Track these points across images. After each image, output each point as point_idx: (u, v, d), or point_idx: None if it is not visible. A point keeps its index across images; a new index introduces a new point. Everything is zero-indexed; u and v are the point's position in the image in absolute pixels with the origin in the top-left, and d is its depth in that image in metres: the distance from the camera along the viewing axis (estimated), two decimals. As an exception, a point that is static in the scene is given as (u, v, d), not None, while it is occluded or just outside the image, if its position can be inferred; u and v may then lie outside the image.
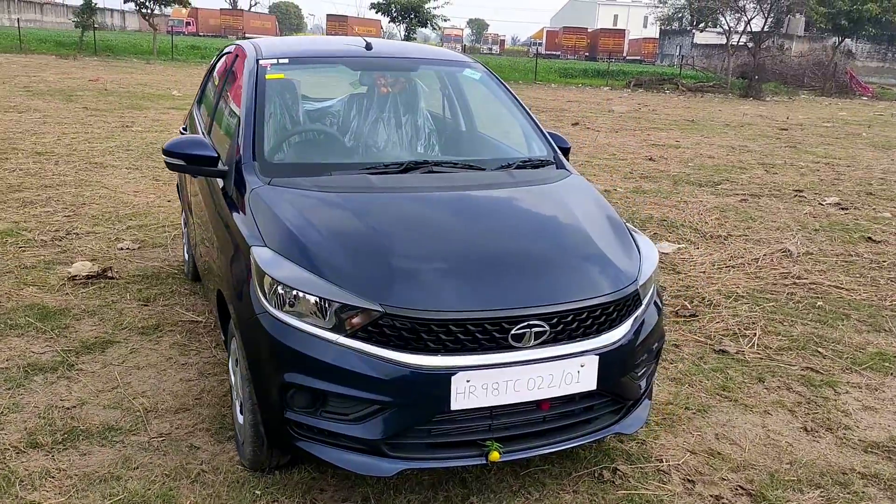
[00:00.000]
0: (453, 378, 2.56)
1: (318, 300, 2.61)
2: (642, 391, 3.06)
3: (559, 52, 72.46)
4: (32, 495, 2.83)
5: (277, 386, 2.65)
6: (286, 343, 2.63)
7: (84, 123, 12.57)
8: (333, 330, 2.60)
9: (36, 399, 3.54)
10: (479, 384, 2.59)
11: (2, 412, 3.41)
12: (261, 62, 3.76)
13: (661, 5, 60.39)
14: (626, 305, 2.88)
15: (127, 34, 58.78)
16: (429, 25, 36.37)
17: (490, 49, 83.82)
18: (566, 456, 3.28)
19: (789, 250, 6.81)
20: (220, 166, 3.41)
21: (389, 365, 2.55)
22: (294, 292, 2.64)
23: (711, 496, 3.11)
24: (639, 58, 68.37)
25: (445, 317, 2.56)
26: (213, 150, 3.41)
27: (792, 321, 5.10)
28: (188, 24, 70.81)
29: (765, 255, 6.65)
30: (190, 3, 39.13)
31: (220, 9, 75.93)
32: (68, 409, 3.48)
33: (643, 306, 2.99)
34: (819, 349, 4.65)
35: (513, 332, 2.61)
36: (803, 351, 4.62)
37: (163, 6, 36.05)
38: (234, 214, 3.14)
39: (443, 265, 2.75)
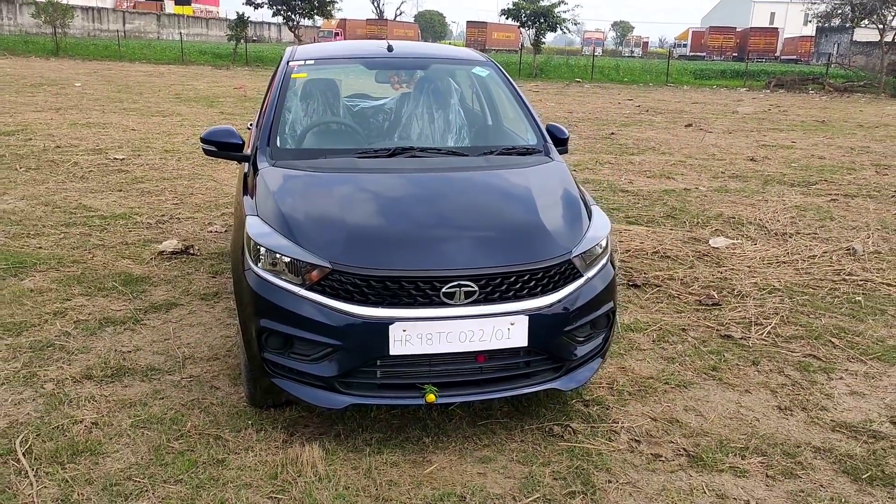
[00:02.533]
0: (391, 327, 3.01)
1: (289, 260, 3.14)
2: (584, 354, 3.36)
3: (704, 54, 70.11)
4: (75, 412, 3.53)
5: (256, 330, 3.20)
6: (262, 294, 3.17)
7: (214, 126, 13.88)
8: (298, 284, 3.12)
9: (101, 345, 4.30)
10: (415, 334, 3.03)
11: (73, 352, 4.18)
12: (290, 63, 4.36)
13: (817, 1, 57.20)
14: (559, 273, 3.21)
15: (279, 45, 62.66)
16: (558, 29, 36.52)
17: (632, 52, 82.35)
18: (525, 412, 3.64)
19: (854, 249, 6.68)
20: (246, 152, 4.03)
21: (338, 314, 3.04)
22: (271, 253, 3.18)
23: (651, 454, 3.37)
24: (794, 57, 64.89)
25: (382, 274, 3.02)
26: (240, 138, 4.03)
27: (819, 314, 5.13)
28: (336, 34, 74.34)
29: (824, 252, 6.58)
30: (333, 15, 41.32)
31: (367, 19, 79.18)
32: (124, 353, 4.21)
33: (584, 277, 3.31)
34: (833, 339, 4.69)
35: (444, 290, 3.03)
36: (815, 341, 4.67)
37: (307, 18, 38.32)
38: (245, 191, 3.74)
39: (390, 231, 3.22)
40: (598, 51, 70.42)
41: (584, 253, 3.31)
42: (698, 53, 70.37)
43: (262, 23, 74.68)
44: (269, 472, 3.10)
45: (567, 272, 3.25)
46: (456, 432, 3.47)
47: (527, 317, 3.11)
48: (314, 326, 3.07)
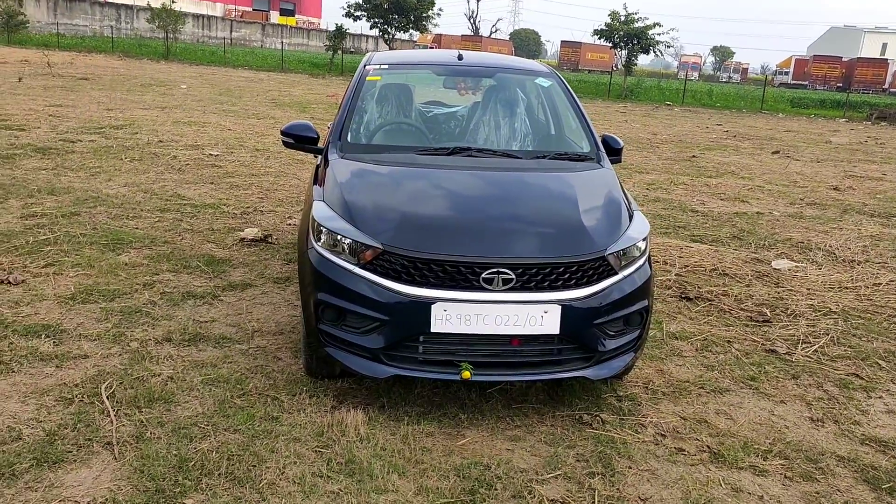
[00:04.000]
0: (433, 306, 3.30)
1: (348, 241, 3.48)
2: (615, 347, 3.56)
3: (807, 82, 67.92)
4: (154, 367, 3.97)
5: (314, 303, 3.55)
6: (321, 270, 3.52)
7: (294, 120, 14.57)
8: (353, 263, 3.45)
9: (182, 314, 4.75)
10: (455, 314, 3.31)
11: (157, 319, 4.64)
12: (366, 67, 4.75)
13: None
14: (593, 268, 3.43)
15: (376, 57, 64.15)
16: (650, 52, 36.24)
17: (730, 77, 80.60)
18: (559, 400, 3.86)
19: (924, 279, 6.58)
20: (320, 145, 4.43)
21: (387, 291, 3.35)
22: (332, 235, 3.53)
23: (675, 448, 3.54)
24: (905, 90, 62.27)
25: (428, 257, 3.31)
26: (315, 133, 4.44)
27: (872, 337, 5.14)
28: (431, 48, 75.55)
29: (891, 281, 6.51)
30: (429, 30, 42.22)
31: (462, 35, 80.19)
32: (202, 323, 4.64)
33: (619, 275, 3.52)
34: (880, 361, 4.71)
35: (483, 275, 3.30)
36: (862, 361, 4.70)
37: (402, 32, 39.33)
38: (315, 180, 4.12)
39: (438, 218, 3.53)
40: (695, 75, 69.27)
41: (619, 252, 3.52)
42: (800, 82, 68.16)
43: (359, 35, 76.75)
44: (317, 431, 3.43)
45: (601, 268, 3.47)
46: (491, 412, 3.73)
47: (560, 306, 3.35)
48: (365, 301, 3.39)
